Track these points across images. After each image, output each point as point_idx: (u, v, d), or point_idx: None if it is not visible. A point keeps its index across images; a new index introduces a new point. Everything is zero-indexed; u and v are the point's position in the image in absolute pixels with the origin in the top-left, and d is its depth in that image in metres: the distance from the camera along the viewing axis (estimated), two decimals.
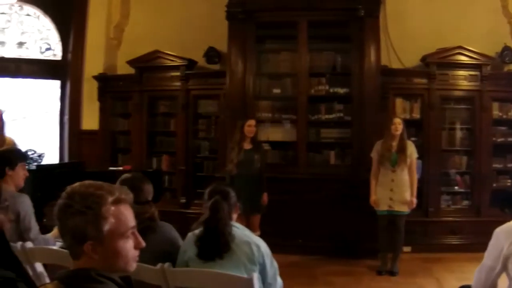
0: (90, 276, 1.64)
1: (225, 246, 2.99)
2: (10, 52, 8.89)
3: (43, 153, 8.90)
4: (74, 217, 1.61)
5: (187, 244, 3.15)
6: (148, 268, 2.81)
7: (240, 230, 3.11)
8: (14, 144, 6.28)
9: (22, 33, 8.95)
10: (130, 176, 3.38)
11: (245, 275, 2.87)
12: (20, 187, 4.04)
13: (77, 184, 1.68)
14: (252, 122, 6.41)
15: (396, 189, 6.10)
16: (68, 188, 1.67)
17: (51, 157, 9.37)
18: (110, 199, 1.62)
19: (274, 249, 3.17)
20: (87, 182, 1.69)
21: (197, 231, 3.10)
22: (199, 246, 3.06)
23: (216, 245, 3.00)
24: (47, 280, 3.22)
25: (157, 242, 3.08)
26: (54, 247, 3.62)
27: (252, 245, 3.02)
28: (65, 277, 1.68)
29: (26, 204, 3.90)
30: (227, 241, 3.01)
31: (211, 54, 7.90)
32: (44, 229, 4.19)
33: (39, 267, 3.30)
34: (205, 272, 2.87)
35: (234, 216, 3.20)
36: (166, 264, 2.82)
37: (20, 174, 4.01)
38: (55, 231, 4.08)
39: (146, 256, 2.59)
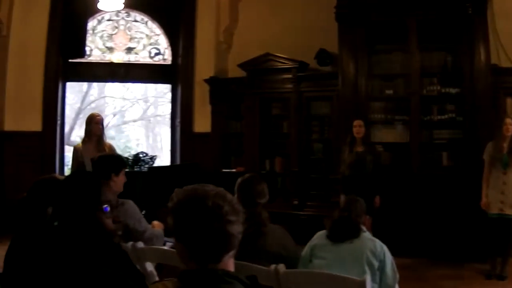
0: (217, 276, 1.97)
1: (355, 231, 3.98)
2: (119, 57, 10.99)
3: (155, 156, 10.83)
4: (235, 220, 2.04)
5: (316, 236, 4.14)
6: (262, 269, 3.31)
7: (366, 232, 4.09)
8: (113, 149, 7.56)
9: (131, 38, 11.08)
10: (242, 178, 4.09)
11: (365, 267, 3.77)
12: (119, 192, 4.75)
13: (213, 187, 2.07)
14: (358, 122, 7.78)
15: (508, 192, 6.86)
16: (221, 193, 2.06)
17: (163, 159, 11.54)
18: None
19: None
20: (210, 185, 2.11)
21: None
22: (331, 228, 4.08)
23: (347, 228, 4.01)
24: (157, 279, 3.83)
25: (268, 245, 3.76)
26: (165, 247, 4.37)
27: (376, 243, 3.95)
28: (187, 276, 2.00)
29: (131, 211, 4.62)
30: (358, 227, 4.02)
31: (322, 55, 9.46)
32: None
33: (149, 266, 3.95)
34: (317, 274, 3.47)
35: (364, 226, 4.13)
36: (280, 265, 3.33)
37: (122, 181, 4.76)
38: (157, 223, 5.04)
39: (258, 259, 3.39)
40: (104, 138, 7.49)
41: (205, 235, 1.99)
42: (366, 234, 4.07)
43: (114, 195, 4.58)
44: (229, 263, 2.06)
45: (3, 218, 8.37)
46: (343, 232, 4.02)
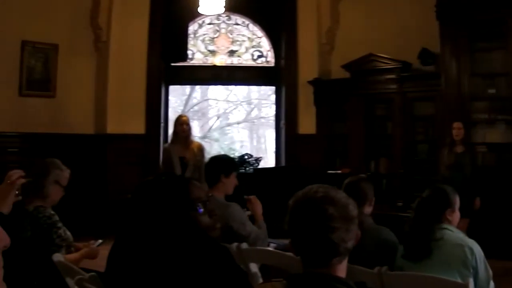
0: (325, 280, 2.21)
1: (427, 247, 3.98)
2: (222, 60, 12.65)
3: (260, 157, 12.36)
4: (353, 221, 2.32)
5: (401, 247, 4.22)
6: (365, 271, 3.54)
7: (454, 233, 4.05)
8: (202, 148, 8.80)
9: (233, 41, 12.74)
10: (349, 179, 4.55)
11: (458, 279, 3.71)
12: (229, 194, 5.37)
13: (325, 187, 2.38)
14: (457, 124, 8.87)
15: None
16: (331, 196, 2.33)
17: (268, 161, 13.17)
18: None
19: (486, 255, 4.00)
20: (323, 185, 2.41)
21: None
22: (405, 247, 4.11)
23: (420, 245, 4.00)
24: (261, 281, 4.06)
25: (370, 247, 4.05)
26: (269, 248, 4.81)
27: (465, 248, 3.91)
28: (296, 279, 2.28)
29: (235, 215, 5.13)
30: (428, 241, 3.99)
31: (425, 55, 10.62)
32: None
33: (253, 267, 4.16)
34: (422, 276, 3.62)
35: (451, 218, 4.17)
36: (384, 268, 3.52)
37: (232, 183, 5.36)
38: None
39: (360, 260, 3.50)
40: (192, 138, 8.84)
41: (308, 239, 2.31)
42: (453, 235, 4.07)
43: (224, 198, 5.24)
44: (339, 268, 2.31)
45: (106, 219, 10.15)
46: (417, 251, 4.07)
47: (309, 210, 2.32)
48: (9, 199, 3.71)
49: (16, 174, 3.76)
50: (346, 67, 11.39)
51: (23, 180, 3.77)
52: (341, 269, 2.34)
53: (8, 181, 3.72)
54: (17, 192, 3.72)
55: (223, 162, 5.57)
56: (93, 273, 3.57)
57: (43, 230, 4.60)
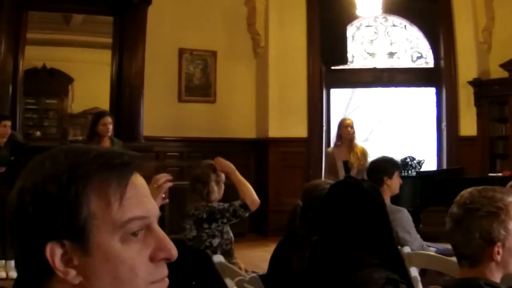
0: (478, 285, 2.31)
1: None
2: (381, 62, 13.52)
3: (422, 160, 12.56)
4: (482, 220, 2.38)
5: None
6: None
7: None
8: (366, 153, 9.19)
9: (391, 43, 13.56)
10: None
11: None
12: (395, 194, 5.67)
13: (472, 189, 2.50)
14: None
15: None
16: (467, 194, 2.46)
17: (430, 163, 13.76)
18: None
19: None
20: (480, 187, 2.50)
21: None
22: None
23: None
24: (421, 286, 4.24)
25: None
26: (430, 253, 4.99)
27: None
28: (452, 285, 2.45)
29: (403, 221, 5.42)
30: None
31: None
32: (421, 235, 5.76)
33: (414, 271, 4.28)
34: None
35: None
36: None
37: (397, 183, 5.66)
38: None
39: None
40: (356, 141, 9.28)
41: (467, 238, 2.42)
42: None
43: (389, 199, 5.45)
44: (492, 271, 2.40)
45: (266, 221, 11.25)
46: None
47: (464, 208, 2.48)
48: (157, 202, 3.46)
49: (163, 178, 3.91)
50: (504, 66, 11.87)
51: (170, 184, 4.00)
52: (495, 273, 2.41)
53: (155, 185, 3.79)
54: (163, 195, 3.93)
55: (384, 164, 5.82)
56: (253, 275, 3.88)
57: (213, 216, 5.18)
